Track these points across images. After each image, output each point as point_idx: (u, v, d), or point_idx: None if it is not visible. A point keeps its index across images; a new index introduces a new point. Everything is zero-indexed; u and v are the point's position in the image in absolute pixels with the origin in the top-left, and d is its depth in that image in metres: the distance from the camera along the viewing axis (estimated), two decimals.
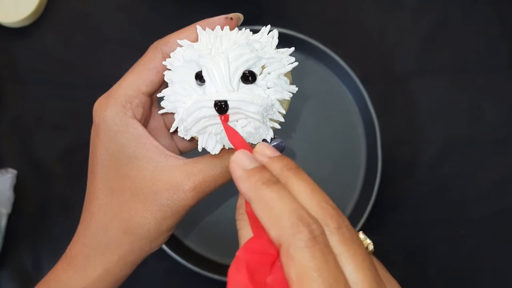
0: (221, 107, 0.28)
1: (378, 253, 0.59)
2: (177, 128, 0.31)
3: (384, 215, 0.56)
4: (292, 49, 0.31)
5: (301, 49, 0.57)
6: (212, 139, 0.31)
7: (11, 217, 0.55)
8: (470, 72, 0.59)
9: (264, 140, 0.31)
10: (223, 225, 0.56)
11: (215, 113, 0.29)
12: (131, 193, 0.31)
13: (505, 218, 0.57)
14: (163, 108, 0.32)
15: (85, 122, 0.58)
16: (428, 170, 0.58)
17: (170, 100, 0.31)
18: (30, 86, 0.58)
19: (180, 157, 0.32)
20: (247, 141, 0.31)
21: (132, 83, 0.32)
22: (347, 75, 0.56)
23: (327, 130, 0.57)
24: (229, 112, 0.29)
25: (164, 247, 0.52)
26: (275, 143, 0.32)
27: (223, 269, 0.54)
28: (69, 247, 0.34)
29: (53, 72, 0.59)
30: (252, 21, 0.57)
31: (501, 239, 0.57)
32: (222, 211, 0.56)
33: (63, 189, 0.57)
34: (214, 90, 0.29)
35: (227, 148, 0.31)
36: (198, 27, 0.32)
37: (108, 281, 0.32)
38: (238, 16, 0.33)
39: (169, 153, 0.32)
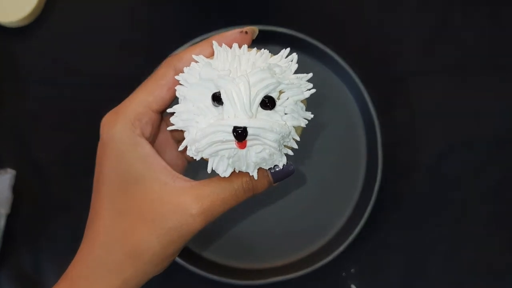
0: (240, 133, 0.28)
1: (379, 252, 0.60)
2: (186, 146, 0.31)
3: (384, 215, 0.56)
4: (310, 74, 0.31)
5: (301, 49, 0.56)
6: (224, 162, 0.30)
7: (9, 218, 0.55)
8: (471, 72, 0.59)
9: (275, 165, 0.31)
10: (223, 226, 0.56)
11: (232, 138, 0.28)
12: (137, 215, 0.31)
13: (506, 218, 0.57)
14: (171, 122, 0.31)
15: (85, 122, 0.58)
16: (429, 170, 0.58)
17: (182, 117, 0.30)
18: (30, 86, 0.58)
19: (188, 178, 0.32)
20: (260, 166, 0.31)
21: (143, 100, 0.32)
22: (347, 75, 0.56)
23: (327, 130, 0.57)
24: (247, 138, 0.28)
25: None
26: (285, 166, 0.32)
27: (222, 270, 0.54)
28: (71, 266, 0.33)
29: (53, 72, 0.59)
30: (251, 21, 0.56)
31: (501, 239, 0.57)
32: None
33: (63, 190, 0.57)
34: (233, 114, 0.28)
35: (237, 171, 0.31)
36: (214, 42, 0.31)
37: None
38: (253, 29, 0.33)
39: (177, 174, 0.32)
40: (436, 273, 0.56)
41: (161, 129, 0.35)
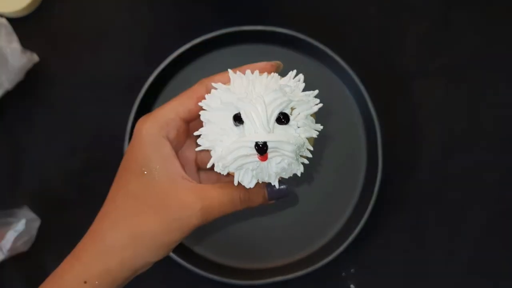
0: (261, 147, 0.32)
1: (379, 252, 0.60)
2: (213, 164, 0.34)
3: (385, 215, 0.56)
4: (317, 91, 0.35)
5: (301, 49, 0.56)
6: (248, 174, 0.34)
7: None
8: (470, 72, 0.59)
9: (272, 185, 0.35)
10: (223, 226, 0.56)
11: (254, 152, 0.32)
12: (145, 200, 0.34)
13: (506, 218, 0.57)
14: (199, 143, 0.34)
15: (85, 121, 0.58)
16: (429, 170, 0.58)
17: (208, 138, 0.34)
18: (29, 86, 0.58)
19: (195, 182, 0.36)
20: (280, 176, 0.34)
21: (173, 108, 0.36)
22: (347, 75, 0.56)
23: (327, 130, 0.57)
24: (267, 151, 0.32)
25: None
26: (281, 187, 0.37)
27: (222, 270, 0.54)
28: (80, 242, 0.36)
29: (52, 72, 0.59)
30: (251, 21, 0.56)
31: (501, 239, 0.57)
32: None
33: (64, 190, 0.57)
34: (253, 131, 0.32)
35: (260, 182, 0.35)
36: (229, 70, 0.35)
37: (106, 280, 0.34)
38: (279, 64, 0.37)
39: (187, 177, 0.36)
40: (436, 273, 0.56)
41: (189, 149, 0.39)
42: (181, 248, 0.54)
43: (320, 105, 0.35)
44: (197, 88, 0.36)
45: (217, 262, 0.55)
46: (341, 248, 0.53)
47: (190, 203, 0.34)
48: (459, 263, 0.56)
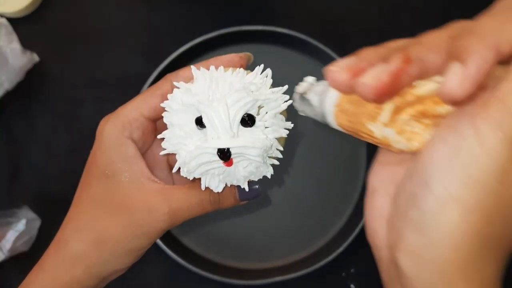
0: (225, 154, 0.30)
1: None
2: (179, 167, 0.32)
3: None
4: (286, 87, 0.32)
5: (302, 49, 0.56)
6: (215, 179, 0.32)
7: None
8: None
9: (241, 187, 0.33)
10: (223, 226, 0.56)
11: (218, 158, 0.30)
12: (108, 205, 0.33)
13: None
14: (163, 147, 0.33)
15: (84, 122, 0.58)
16: None
17: (171, 142, 0.32)
18: (29, 86, 0.58)
19: (162, 183, 0.34)
20: (248, 179, 0.32)
21: (136, 107, 0.34)
22: None
23: (327, 130, 0.57)
24: (231, 156, 0.30)
25: (164, 248, 0.52)
26: (253, 187, 0.35)
27: (222, 269, 0.54)
28: (45, 251, 0.34)
29: (52, 72, 0.59)
30: (251, 21, 0.56)
31: None
32: (222, 211, 0.56)
33: (64, 190, 0.57)
34: (216, 135, 0.30)
35: (229, 185, 0.33)
36: (192, 67, 0.33)
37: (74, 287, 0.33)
38: (249, 56, 0.35)
39: (153, 177, 0.33)
40: None
41: (158, 148, 0.36)
42: (181, 248, 0.54)
43: (290, 102, 0.31)
44: (161, 84, 0.34)
45: (217, 262, 0.55)
46: (341, 248, 0.53)
47: (156, 206, 0.32)
48: None
